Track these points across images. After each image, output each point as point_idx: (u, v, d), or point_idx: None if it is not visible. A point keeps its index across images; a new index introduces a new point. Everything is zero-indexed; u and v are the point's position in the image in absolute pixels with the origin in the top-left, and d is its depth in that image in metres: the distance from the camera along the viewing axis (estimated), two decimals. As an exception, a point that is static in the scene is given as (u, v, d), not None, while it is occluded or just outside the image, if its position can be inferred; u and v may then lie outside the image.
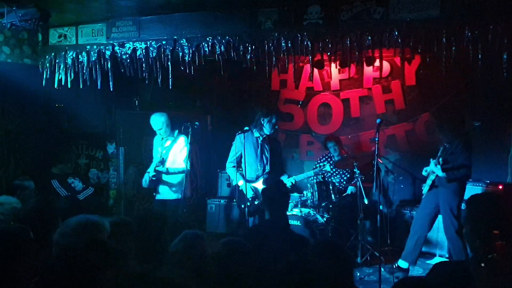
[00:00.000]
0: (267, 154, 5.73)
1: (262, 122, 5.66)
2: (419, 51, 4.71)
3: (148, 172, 5.78)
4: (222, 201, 7.59)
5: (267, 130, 5.68)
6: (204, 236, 2.88)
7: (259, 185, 5.67)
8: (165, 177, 5.78)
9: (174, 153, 5.81)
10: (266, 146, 5.75)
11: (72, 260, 2.08)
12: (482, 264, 2.09)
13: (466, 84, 6.52)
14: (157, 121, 5.71)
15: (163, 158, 5.73)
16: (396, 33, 4.65)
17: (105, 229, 2.70)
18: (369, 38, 4.76)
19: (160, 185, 5.83)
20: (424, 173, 5.62)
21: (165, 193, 5.84)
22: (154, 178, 5.71)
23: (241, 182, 5.59)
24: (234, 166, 5.71)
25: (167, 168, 5.74)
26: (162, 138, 5.87)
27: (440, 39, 4.47)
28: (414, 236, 5.50)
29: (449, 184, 5.22)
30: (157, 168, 5.70)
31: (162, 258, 2.75)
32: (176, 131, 5.78)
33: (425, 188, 5.52)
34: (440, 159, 5.22)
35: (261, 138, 5.72)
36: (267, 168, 5.72)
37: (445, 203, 5.27)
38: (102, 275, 1.88)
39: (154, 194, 5.90)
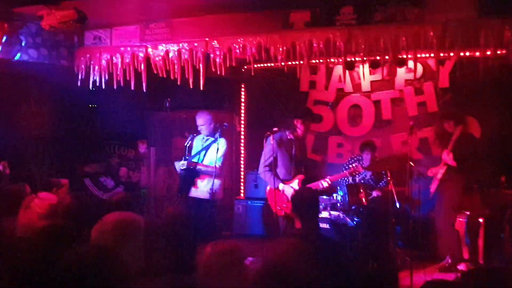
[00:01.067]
0: (299, 155, 5.76)
1: (296, 123, 5.67)
2: (455, 52, 4.61)
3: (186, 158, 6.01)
4: (249, 202, 7.60)
5: (301, 130, 5.69)
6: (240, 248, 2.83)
7: (295, 185, 5.68)
8: (196, 175, 5.93)
9: (211, 153, 5.91)
10: (297, 147, 5.75)
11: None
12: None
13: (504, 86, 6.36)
14: (203, 117, 5.96)
15: (203, 155, 5.94)
16: (431, 34, 4.57)
17: (141, 226, 2.73)
18: (403, 39, 4.69)
19: (192, 183, 6.00)
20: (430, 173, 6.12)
21: (197, 191, 5.97)
22: (183, 167, 5.88)
23: (280, 185, 5.60)
24: (269, 170, 5.66)
25: (197, 163, 5.89)
26: (203, 138, 6.05)
27: (478, 40, 4.38)
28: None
29: (455, 178, 5.73)
30: (188, 158, 5.91)
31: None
32: (218, 133, 5.89)
33: (434, 185, 5.98)
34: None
35: (293, 140, 5.73)
36: (301, 168, 5.75)
37: (449, 196, 5.78)
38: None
39: (182, 193, 6.06)
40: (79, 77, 6.13)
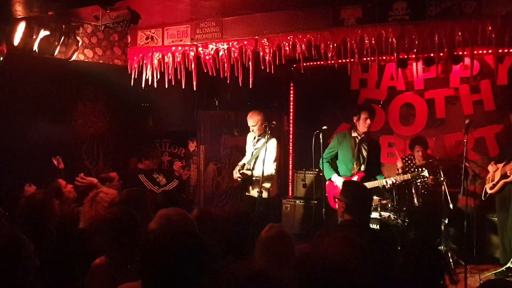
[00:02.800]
0: (364, 154, 5.76)
1: (354, 121, 5.73)
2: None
3: (239, 165, 6.17)
4: (297, 201, 7.56)
5: (361, 127, 5.72)
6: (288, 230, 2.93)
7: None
8: (250, 182, 6.10)
9: (263, 154, 5.93)
10: (364, 146, 5.77)
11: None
12: None
13: None
14: (254, 118, 6.05)
15: (253, 163, 6.07)
16: (490, 28, 4.37)
17: (194, 221, 2.79)
18: (459, 34, 4.51)
19: (249, 185, 6.15)
20: (492, 168, 5.82)
21: (253, 191, 6.07)
22: (239, 179, 6.08)
23: (333, 177, 5.78)
24: (328, 162, 5.90)
25: (252, 173, 6.03)
26: (255, 137, 6.16)
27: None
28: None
29: None
30: (243, 171, 6.04)
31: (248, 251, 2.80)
32: (268, 133, 5.93)
33: (493, 188, 5.73)
34: None
35: (358, 138, 5.77)
36: (363, 167, 5.73)
37: None
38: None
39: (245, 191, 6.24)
40: (132, 76, 6.29)
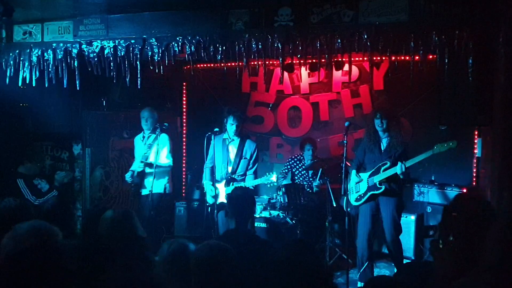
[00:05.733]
0: (231, 156, 5.76)
1: (225, 123, 5.74)
2: (388, 55, 4.75)
3: (132, 171, 6.06)
4: (190, 203, 7.52)
5: (228, 131, 5.73)
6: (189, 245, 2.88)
7: (222, 186, 5.73)
8: (149, 171, 5.90)
9: (156, 150, 5.95)
10: (232, 148, 5.76)
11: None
12: (441, 245, 2.18)
13: (433, 88, 6.61)
14: (148, 113, 6.07)
15: (147, 155, 5.96)
16: (365, 36, 4.69)
17: (57, 234, 2.60)
18: (339, 41, 4.78)
19: (145, 180, 6.05)
20: (354, 179, 5.39)
21: (149, 187, 5.91)
22: (140, 169, 5.92)
23: (204, 181, 5.90)
24: (208, 168, 5.89)
25: (155, 163, 5.83)
26: (143, 137, 6.11)
27: (408, 44, 4.54)
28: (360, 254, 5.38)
29: (396, 192, 5.18)
30: (145, 161, 5.89)
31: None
32: (158, 129, 5.92)
33: (360, 200, 5.32)
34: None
35: (229, 140, 5.76)
36: (229, 170, 5.75)
37: (393, 210, 5.18)
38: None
39: (140, 190, 6.11)
40: (8, 74, 5.83)
